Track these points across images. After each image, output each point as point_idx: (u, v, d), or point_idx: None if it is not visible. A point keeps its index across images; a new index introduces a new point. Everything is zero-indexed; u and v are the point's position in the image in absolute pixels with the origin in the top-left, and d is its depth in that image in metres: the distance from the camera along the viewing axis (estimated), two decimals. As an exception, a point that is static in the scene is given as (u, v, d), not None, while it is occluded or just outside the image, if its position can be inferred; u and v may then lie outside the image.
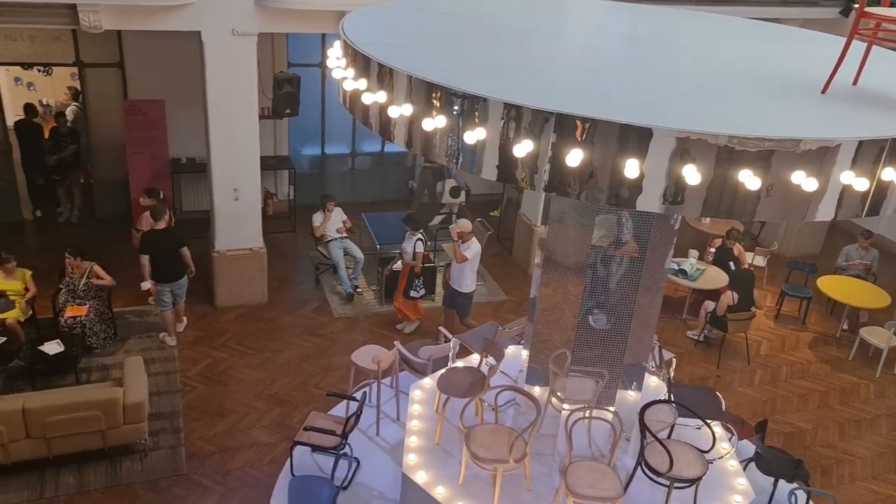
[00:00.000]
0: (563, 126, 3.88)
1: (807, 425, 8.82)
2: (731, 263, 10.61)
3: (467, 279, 9.09)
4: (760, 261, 11.42)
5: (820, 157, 3.81)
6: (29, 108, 11.71)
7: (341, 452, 6.46)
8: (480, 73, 4.63)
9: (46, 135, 11.84)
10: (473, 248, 9.03)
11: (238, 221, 9.53)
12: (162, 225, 8.71)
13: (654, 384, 6.87)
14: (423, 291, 9.65)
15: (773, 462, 6.61)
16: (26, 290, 8.59)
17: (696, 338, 10.15)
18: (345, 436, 6.45)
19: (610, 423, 5.68)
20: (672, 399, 6.11)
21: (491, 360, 6.57)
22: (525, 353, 6.35)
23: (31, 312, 8.61)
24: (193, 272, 9.02)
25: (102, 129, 11.37)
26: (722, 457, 6.11)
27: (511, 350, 7.16)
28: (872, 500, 7.85)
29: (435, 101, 4.22)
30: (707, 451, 5.71)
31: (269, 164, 11.58)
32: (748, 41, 6.44)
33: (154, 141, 10.99)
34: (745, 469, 6.33)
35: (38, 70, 14.02)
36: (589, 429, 5.92)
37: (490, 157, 4.15)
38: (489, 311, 10.33)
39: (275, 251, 10.53)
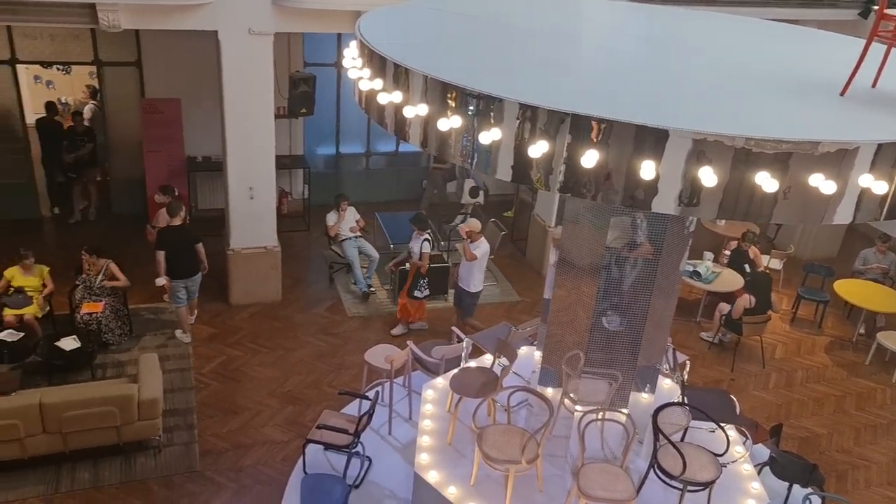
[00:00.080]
0: (579, 127, 3.87)
1: (822, 430, 8.75)
2: (747, 266, 10.53)
3: (475, 279, 9.10)
4: (776, 264, 11.33)
5: (838, 159, 3.78)
6: (50, 107, 11.82)
7: (354, 451, 6.48)
8: (496, 74, 4.63)
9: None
10: (482, 248, 9.04)
11: (253, 220, 9.58)
12: (178, 221, 8.80)
13: (668, 386, 6.84)
14: (427, 292, 9.63)
15: (787, 466, 6.56)
16: (44, 286, 8.68)
17: (710, 340, 10.09)
18: (357, 434, 6.47)
19: (623, 426, 5.66)
20: (686, 402, 6.09)
21: (504, 360, 6.56)
22: (538, 354, 6.34)
23: (48, 308, 8.69)
24: (206, 268, 9.07)
25: (120, 127, 11.49)
26: (736, 461, 6.07)
27: (524, 351, 7.15)
28: (888, 506, 7.80)
29: (450, 102, 4.23)
30: (721, 455, 5.68)
31: (284, 164, 11.62)
32: (764, 42, 6.40)
33: (170, 139, 11.09)
34: (759, 473, 6.28)
35: (58, 68, 14.19)
36: (602, 431, 5.91)
37: (505, 158, 4.15)
38: (502, 311, 10.32)
39: (289, 250, 10.58)
